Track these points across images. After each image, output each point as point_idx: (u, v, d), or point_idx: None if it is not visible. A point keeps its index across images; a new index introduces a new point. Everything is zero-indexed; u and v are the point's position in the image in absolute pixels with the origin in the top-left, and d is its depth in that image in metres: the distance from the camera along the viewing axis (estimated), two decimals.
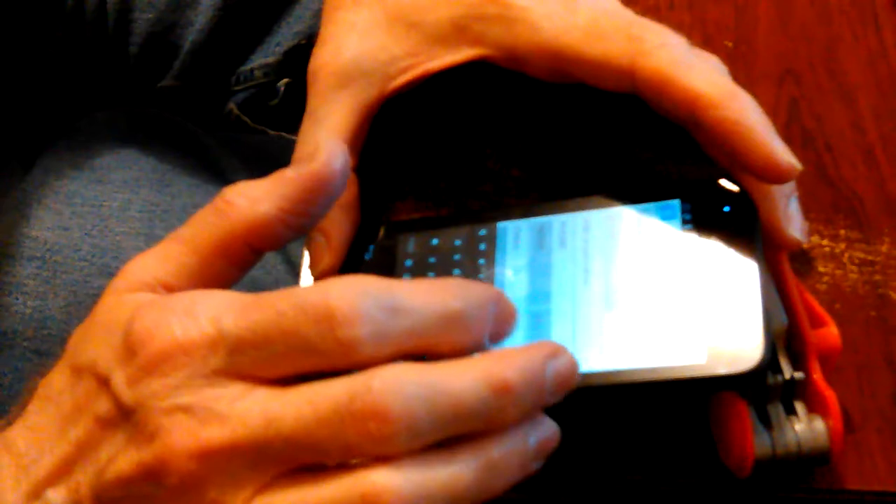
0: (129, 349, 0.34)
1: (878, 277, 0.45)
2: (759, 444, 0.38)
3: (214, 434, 0.32)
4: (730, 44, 0.53)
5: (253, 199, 0.36)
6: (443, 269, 0.43)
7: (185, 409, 0.33)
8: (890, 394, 0.42)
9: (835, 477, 0.40)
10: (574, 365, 0.35)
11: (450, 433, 0.33)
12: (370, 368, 0.33)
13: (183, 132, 0.66)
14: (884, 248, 0.46)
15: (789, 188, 0.41)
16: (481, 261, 0.42)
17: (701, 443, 0.41)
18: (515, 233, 0.43)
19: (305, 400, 0.32)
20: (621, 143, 0.48)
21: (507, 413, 0.33)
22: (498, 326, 0.35)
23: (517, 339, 0.40)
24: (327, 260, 0.44)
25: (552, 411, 0.35)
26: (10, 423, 0.37)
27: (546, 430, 0.35)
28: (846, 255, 0.46)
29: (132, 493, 0.33)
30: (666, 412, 0.42)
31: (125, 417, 0.34)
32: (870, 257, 0.46)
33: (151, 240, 0.59)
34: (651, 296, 0.39)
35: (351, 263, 0.44)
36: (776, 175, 0.39)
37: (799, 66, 0.52)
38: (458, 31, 0.45)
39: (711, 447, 0.41)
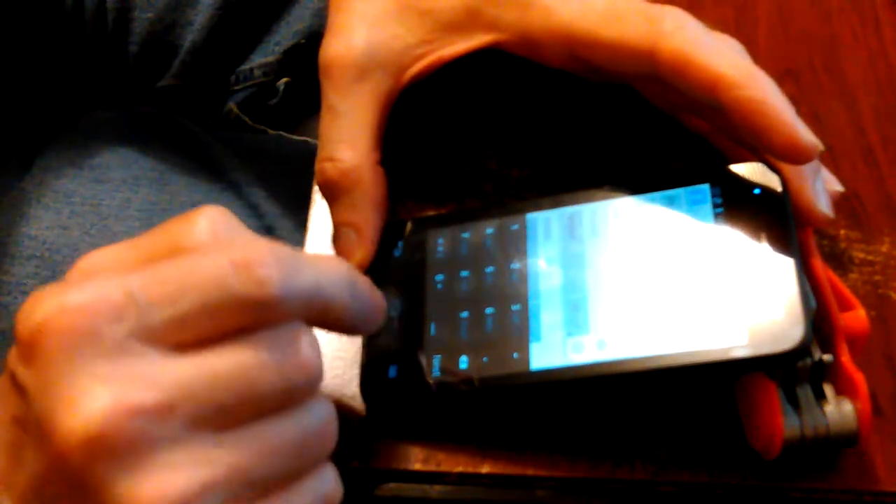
0: (22, 337, 0.32)
1: (878, 277, 0.45)
2: (787, 425, 0.38)
3: (146, 396, 0.31)
4: None
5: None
6: (475, 263, 0.43)
7: (101, 379, 0.31)
8: (890, 394, 0.42)
9: (834, 477, 0.40)
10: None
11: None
12: None
13: (182, 131, 0.66)
14: (884, 248, 0.46)
15: (815, 166, 0.41)
16: (514, 253, 0.43)
17: (698, 442, 0.41)
18: (546, 223, 0.43)
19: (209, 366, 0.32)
20: (621, 143, 0.48)
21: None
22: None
23: (557, 330, 0.40)
24: (360, 254, 0.44)
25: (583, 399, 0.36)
26: None
27: None
28: (846, 255, 0.46)
29: (73, 483, 0.31)
30: (674, 406, 0.42)
31: (32, 409, 0.31)
32: (870, 257, 0.46)
33: None
34: (687, 280, 0.39)
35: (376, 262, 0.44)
36: (798, 154, 0.39)
37: (799, 66, 0.52)
38: (472, 17, 0.44)
39: (709, 446, 0.41)
